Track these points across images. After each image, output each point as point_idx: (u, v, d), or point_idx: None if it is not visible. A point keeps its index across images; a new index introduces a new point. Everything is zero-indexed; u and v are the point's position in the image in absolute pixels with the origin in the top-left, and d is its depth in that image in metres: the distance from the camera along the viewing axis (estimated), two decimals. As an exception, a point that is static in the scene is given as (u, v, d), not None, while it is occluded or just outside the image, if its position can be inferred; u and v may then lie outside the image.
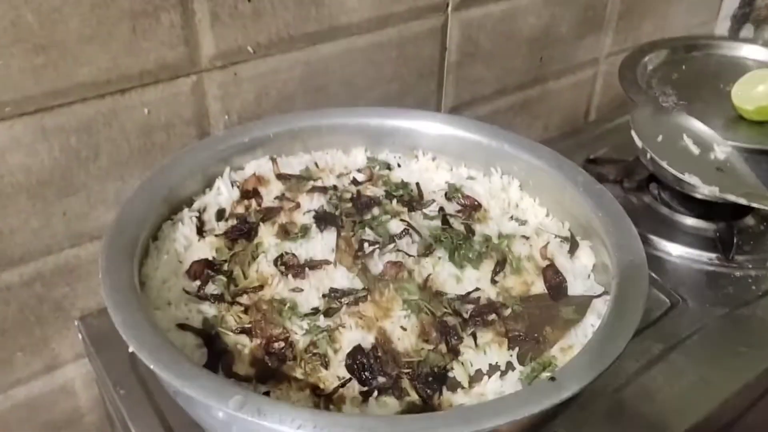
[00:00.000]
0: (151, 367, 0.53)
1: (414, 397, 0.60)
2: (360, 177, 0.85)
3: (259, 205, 0.80)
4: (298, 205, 0.79)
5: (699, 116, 1.00)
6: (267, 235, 0.75)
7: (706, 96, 1.05)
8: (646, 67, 1.12)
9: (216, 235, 0.76)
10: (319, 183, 0.83)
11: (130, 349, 0.54)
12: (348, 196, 0.81)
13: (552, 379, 0.54)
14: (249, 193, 0.81)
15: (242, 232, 0.76)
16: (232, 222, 0.77)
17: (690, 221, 1.09)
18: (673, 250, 1.04)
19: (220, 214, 0.79)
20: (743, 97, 0.98)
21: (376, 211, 0.78)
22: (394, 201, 0.81)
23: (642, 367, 0.84)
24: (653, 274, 0.99)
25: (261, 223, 0.76)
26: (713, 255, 1.03)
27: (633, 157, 1.18)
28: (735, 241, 1.02)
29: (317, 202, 0.79)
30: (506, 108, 1.22)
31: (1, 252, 0.77)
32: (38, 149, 0.74)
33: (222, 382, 0.53)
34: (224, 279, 0.70)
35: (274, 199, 0.81)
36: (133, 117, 0.79)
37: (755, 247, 1.05)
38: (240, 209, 0.79)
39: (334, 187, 0.83)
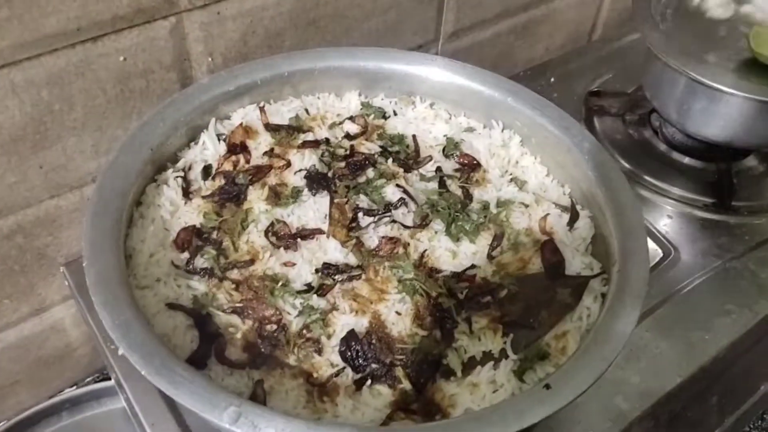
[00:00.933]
0: (143, 373, 0.52)
1: (407, 385, 0.60)
2: (353, 129, 0.81)
3: (248, 161, 0.76)
4: (288, 164, 0.75)
5: (710, 58, 0.95)
6: (256, 199, 0.72)
7: (722, 33, 0.99)
8: (663, -4, 1.04)
9: (203, 197, 0.72)
10: (309, 136, 0.79)
11: (120, 352, 0.53)
12: (341, 152, 0.77)
13: (547, 387, 0.54)
14: (236, 147, 0.77)
15: (231, 195, 0.72)
16: (219, 181, 0.74)
17: (688, 160, 1.07)
18: (669, 192, 1.03)
19: (207, 172, 0.75)
20: (762, 40, 0.92)
21: (370, 172, 0.75)
22: (390, 160, 0.77)
23: (630, 323, 0.85)
24: (647, 220, 0.98)
25: (250, 186, 0.73)
26: (710, 200, 1.01)
27: (635, 87, 1.14)
28: (733, 187, 1.00)
29: (308, 159, 0.75)
30: (508, 31, 1.15)
31: (-22, 208, 0.73)
32: (8, 105, 0.68)
33: (215, 389, 0.52)
34: (213, 251, 0.67)
35: (263, 155, 0.77)
36: (107, 65, 0.73)
37: (754, 192, 1.04)
38: (227, 166, 0.75)
39: (327, 141, 0.78)
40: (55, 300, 0.88)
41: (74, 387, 0.98)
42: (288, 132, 0.79)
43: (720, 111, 0.96)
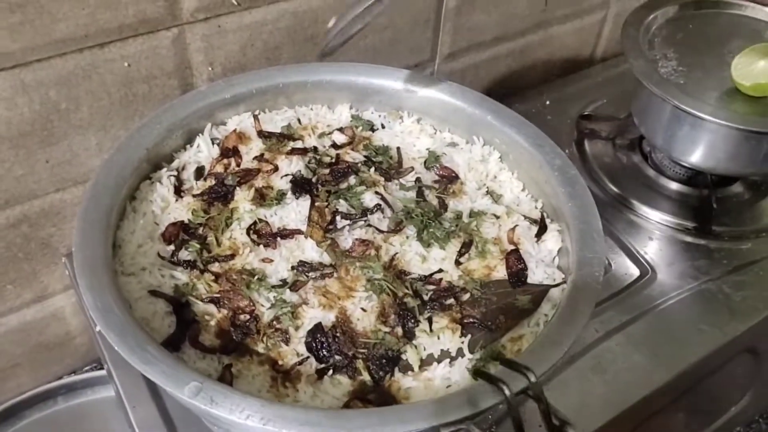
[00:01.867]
0: (117, 349, 0.56)
1: (366, 377, 0.64)
2: (341, 139, 0.85)
3: (238, 164, 0.81)
4: (276, 168, 0.80)
5: (695, 87, 0.98)
6: (243, 200, 0.76)
7: (708, 63, 1.02)
8: (652, 25, 1.08)
9: (194, 195, 0.77)
10: (299, 144, 0.84)
11: (97, 329, 0.58)
12: (327, 160, 0.82)
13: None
14: (229, 151, 0.82)
15: (219, 194, 0.77)
16: (210, 182, 0.79)
17: (675, 186, 1.10)
18: (653, 216, 1.06)
19: (199, 173, 0.80)
20: (742, 71, 0.95)
21: (352, 180, 0.79)
22: (372, 169, 0.81)
23: (601, 337, 0.88)
24: (628, 241, 1.01)
25: (238, 187, 0.78)
26: (691, 224, 1.04)
27: (626, 114, 1.17)
28: (713, 213, 1.03)
29: (296, 165, 0.80)
30: (505, 54, 1.19)
31: (-13, 198, 0.79)
32: (18, 103, 0.74)
33: (181, 367, 0.56)
34: (197, 245, 0.72)
35: (254, 159, 0.82)
36: (113, 70, 0.79)
37: (736, 218, 1.06)
38: (219, 168, 0.80)
39: (314, 149, 0.83)
40: (56, 289, 0.94)
41: (72, 374, 1.03)
42: (279, 139, 0.84)
43: (702, 138, 0.99)
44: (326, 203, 0.77)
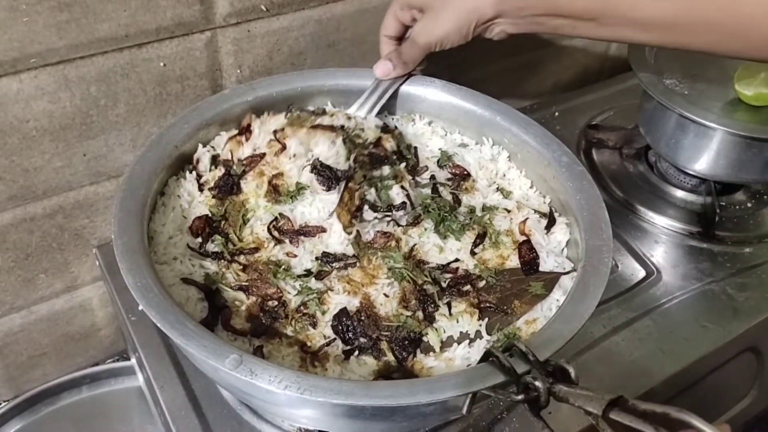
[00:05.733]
0: (159, 325, 0.60)
1: (390, 357, 0.68)
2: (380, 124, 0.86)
3: (247, 138, 0.80)
4: (283, 147, 0.79)
5: (699, 97, 1.02)
6: (253, 194, 0.77)
7: (711, 75, 1.06)
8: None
9: (210, 189, 0.79)
10: (326, 120, 0.82)
11: (140, 308, 0.62)
12: (366, 140, 0.82)
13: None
14: (243, 129, 0.82)
15: (227, 185, 0.78)
16: (220, 171, 0.79)
17: (680, 194, 1.14)
18: (659, 221, 1.10)
19: (214, 160, 0.81)
20: (744, 81, 0.99)
21: (386, 170, 0.81)
22: (403, 164, 0.84)
23: (608, 333, 0.92)
24: (634, 244, 1.05)
25: (244, 176, 0.78)
26: (696, 229, 1.08)
27: (633, 125, 1.22)
28: (716, 218, 1.06)
29: (322, 146, 0.78)
30: (517, 66, 1.24)
31: (26, 188, 0.83)
32: (61, 97, 0.79)
33: (220, 342, 0.60)
34: (222, 239, 0.75)
35: (270, 134, 0.80)
36: (149, 69, 0.83)
37: (739, 224, 1.10)
38: (229, 147, 0.80)
39: (342, 128, 0.82)
40: (86, 280, 0.97)
41: (95, 365, 1.06)
42: (304, 113, 0.83)
43: (706, 146, 1.03)
44: (358, 186, 0.77)
